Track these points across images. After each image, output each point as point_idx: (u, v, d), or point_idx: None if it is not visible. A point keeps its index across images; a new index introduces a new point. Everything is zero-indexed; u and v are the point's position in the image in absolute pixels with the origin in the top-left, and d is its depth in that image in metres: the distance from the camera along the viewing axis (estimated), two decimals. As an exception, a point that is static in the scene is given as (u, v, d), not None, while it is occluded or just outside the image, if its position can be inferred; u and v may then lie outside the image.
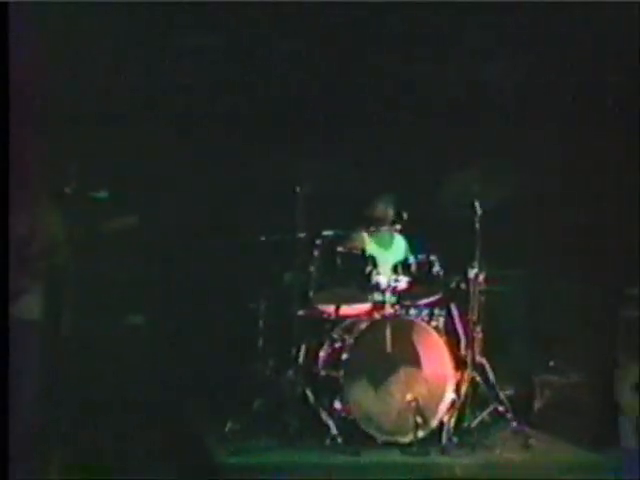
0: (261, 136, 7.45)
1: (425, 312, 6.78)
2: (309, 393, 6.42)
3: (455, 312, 6.84)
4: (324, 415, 6.32)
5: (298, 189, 6.59)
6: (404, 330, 6.55)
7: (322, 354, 6.62)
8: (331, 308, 6.77)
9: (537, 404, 7.05)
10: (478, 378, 6.57)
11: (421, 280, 6.78)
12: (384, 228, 7.15)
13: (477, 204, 6.68)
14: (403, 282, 6.75)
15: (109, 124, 7.11)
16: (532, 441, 6.44)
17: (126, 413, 6.65)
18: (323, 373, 6.55)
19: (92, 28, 6.74)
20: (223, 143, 7.44)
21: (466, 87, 7.70)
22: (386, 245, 7.22)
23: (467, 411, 6.48)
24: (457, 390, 6.48)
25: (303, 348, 6.59)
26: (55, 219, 5.85)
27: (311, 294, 6.63)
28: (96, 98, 6.98)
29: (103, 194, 6.15)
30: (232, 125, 7.48)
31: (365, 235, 7.18)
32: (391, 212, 7.06)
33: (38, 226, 5.71)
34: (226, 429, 6.37)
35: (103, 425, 6.44)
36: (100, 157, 6.74)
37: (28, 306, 5.79)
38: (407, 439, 6.31)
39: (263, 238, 6.80)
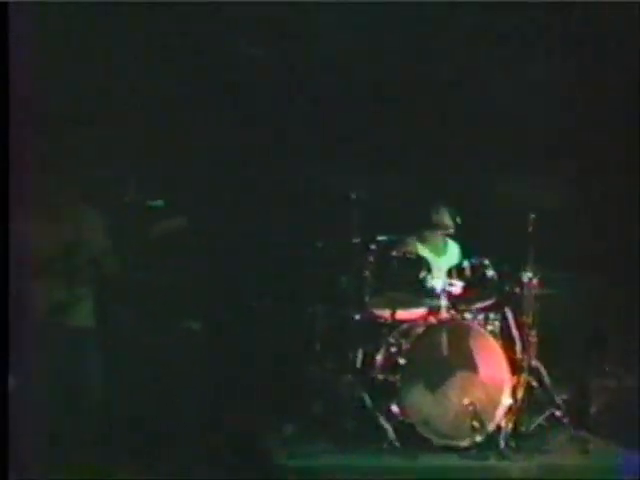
0: (316, 143, 7.49)
1: (480, 316, 6.78)
2: (366, 397, 6.44)
3: (510, 316, 6.81)
4: (381, 419, 6.34)
5: (352, 195, 6.63)
6: (460, 334, 6.57)
7: (379, 358, 6.64)
8: (387, 312, 6.80)
9: (593, 409, 7.04)
10: (534, 382, 6.57)
11: (475, 284, 6.80)
12: (438, 233, 7.18)
13: (530, 207, 6.70)
14: (458, 286, 6.78)
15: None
16: (590, 446, 6.42)
17: (184, 417, 6.70)
18: (380, 377, 6.57)
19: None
20: (279, 150, 7.49)
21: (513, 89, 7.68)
22: (440, 250, 7.23)
23: (524, 415, 6.48)
24: (513, 394, 6.47)
25: (360, 352, 6.63)
26: (104, 226, 5.91)
27: (367, 299, 6.66)
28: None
29: (159, 202, 6.23)
30: (286, 132, 7.52)
31: (419, 240, 7.20)
32: (450, 218, 7.10)
33: (86, 234, 5.76)
34: (285, 432, 6.44)
35: (161, 430, 6.50)
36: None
37: (83, 313, 5.86)
38: (464, 443, 6.33)
39: (319, 244, 6.86)
